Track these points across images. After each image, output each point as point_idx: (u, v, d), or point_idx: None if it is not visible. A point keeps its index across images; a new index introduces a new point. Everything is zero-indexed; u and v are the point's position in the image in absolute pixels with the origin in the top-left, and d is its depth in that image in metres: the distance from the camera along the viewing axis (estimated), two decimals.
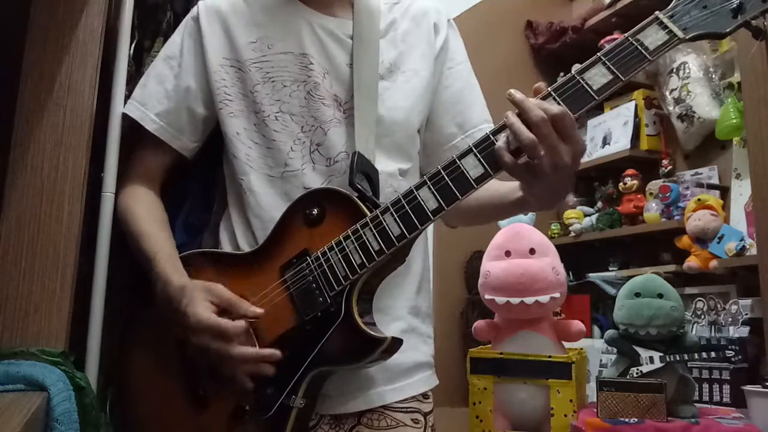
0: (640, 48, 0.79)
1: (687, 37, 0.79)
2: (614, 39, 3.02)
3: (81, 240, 0.94)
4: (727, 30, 0.78)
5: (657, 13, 0.80)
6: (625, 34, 0.81)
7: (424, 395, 1.01)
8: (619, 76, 0.79)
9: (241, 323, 0.85)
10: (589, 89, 0.79)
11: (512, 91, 0.80)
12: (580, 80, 0.80)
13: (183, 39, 1.05)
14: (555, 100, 0.80)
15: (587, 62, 0.81)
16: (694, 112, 2.32)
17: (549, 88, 0.81)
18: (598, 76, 0.80)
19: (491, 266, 1.72)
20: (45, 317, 0.89)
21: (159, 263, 0.92)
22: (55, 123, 0.94)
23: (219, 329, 0.84)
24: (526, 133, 0.77)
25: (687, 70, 2.35)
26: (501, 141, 0.80)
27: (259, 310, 0.88)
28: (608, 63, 0.79)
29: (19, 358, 0.84)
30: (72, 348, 0.92)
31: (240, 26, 1.03)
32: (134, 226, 0.98)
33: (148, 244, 0.95)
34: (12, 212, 0.91)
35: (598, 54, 0.81)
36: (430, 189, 0.83)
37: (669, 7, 0.81)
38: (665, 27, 0.79)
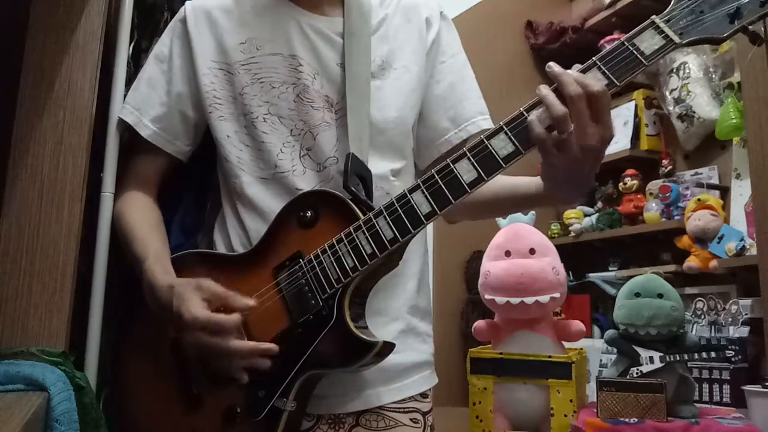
0: (635, 53, 0.78)
1: (683, 42, 0.78)
2: (614, 39, 3.03)
3: (81, 240, 0.94)
4: (724, 35, 0.77)
5: (653, 17, 0.80)
6: (621, 38, 0.80)
7: (423, 394, 1.00)
8: (614, 81, 0.78)
9: (236, 316, 0.84)
10: None
11: (551, 63, 0.80)
12: None
13: (172, 41, 1.04)
14: None
15: (582, 66, 0.80)
16: (694, 112, 2.32)
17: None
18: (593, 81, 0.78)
19: (491, 266, 1.72)
20: (45, 317, 0.89)
21: (147, 265, 0.91)
22: (55, 123, 0.94)
23: (216, 324, 0.83)
24: (558, 106, 0.76)
25: (687, 70, 2.35)
26: (533, 115, 0.79)
27: (251, 302, 0.87)
28: (603, 68, 0.79)
29: (19, 358, 0.84)
30: (72, 348, 0.92)
31: (229, 27, 1.02)
32: (125, 230, 0.98)
33: (138, 247, 0.95)
34: (12, 212, 0.91)
35: (593, 58, 0.80)
36: (423, 193, 0.82)
37: (665, 11, 0.80)
38: (661, 31, 0.78)
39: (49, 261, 0.90)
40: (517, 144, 0.80)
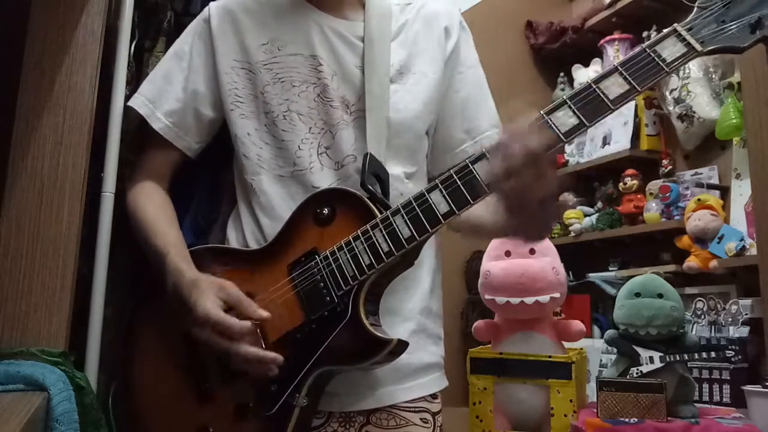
0: (657, 60, 0.79)
1: (705, 51, 0.79)
2: (614, 39, 2.99)
3: (81, 240, 0.94)
4: (745, 45, 0.78)
5: (675, 25, 0.81)
6: (643, 45, 0.81)
7: (433, 395, 1.01)
8: (636, 86, 0.79)
9: (246, 323, 0.84)
10: (605, 99, 0.79)
11: (513, 127, 0.79)
12: (597, 89, 0.80)
13: (193, 40, 1.05)
14: (570, 108, 0.80)
15: (604, 72, 0.81)
16: (694, 112, 2.32)
17: (564, 96, 0.81)
18: (614, 86, 0.79)
19: (491, 266, 1.72)
20: (45, 317, 0.89)
21: (171, 258, 0.92)
22: (55, 123, 0.94)
23: (224, 325, 0.84)
24: (496, 162, 0.77)
25: (687, 70, 2.35)
26: (480, 167, 0.81)
27: (265, 314, 0.87)
28: (625, 73, 0.79)
29: (19, 358, 0.84)
30: (72, 348, 0.92)
31: (251, 28, 1.03)
32: (144, 222, 0.99)
33: (160, 241, 0.95)
34: (12, 212, 0.91)
35: (614, 64, 0.81)
36: (441, 192, 0.83)
37: (687, 20, 0.81)
38: (683, 40, 0.79)
39: (49, 261, 0.91)
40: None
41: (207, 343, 0.86)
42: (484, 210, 0.97)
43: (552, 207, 0.81)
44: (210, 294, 0.86)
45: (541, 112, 0.81)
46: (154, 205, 1.01)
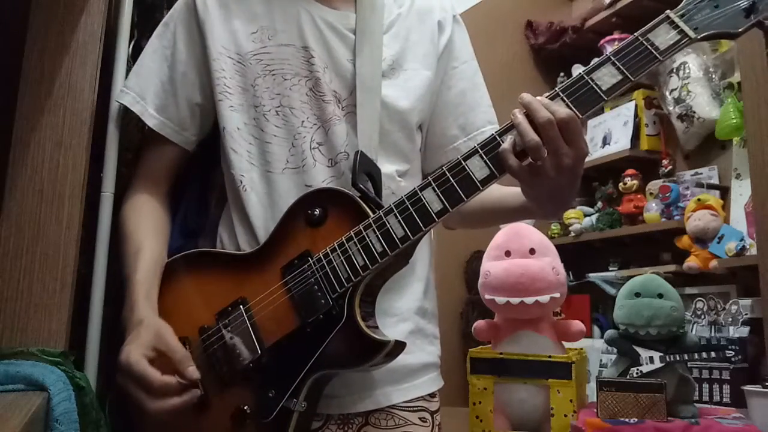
0: (650, 48, 0.78)
1: (698, 37, 0.77)
2: (614, 39, 2.99)
3: (81, 240, 0.94)
4: (740, 30, 0.77)
5: (668, 12, 0.79)
6: (635, 33, 0.79)
7: (431, 394, 1.00)
8: (629, 76, 0.78)
9: (169, 379, 0.80)
10: (598, 89, 0.78)
11: (523, 94, 0.80)
12: (589, 80, 0.79)
13: (176, 25, 1.01)
14: (563, 100, 0.79)
15: (596, 62, 0.80)
16: (694, 112, 2.32)
17: (557, 88, 0.80)
18: (607, 76, 0.78)
19: (491, 266, 1.72)
20: (45, 317, 0.89)
21: (132, 283, 0.89)
22: (55, 123, 0.94)
23: (143, 378, 0.79)
24: (531, 135, 0.77)
25: (687, 70, 2.35)
26: (506, 142, 0.79)
27: (196, 375, 0.81)
28: (618, 63, 0.78)
29: (19, 358, 0.84)
30: (72, 348, 0.92)
31: (239, 15, 1.00)
32: (124, 236, 0.96)
33: (130, 261, 0.92)
34: (12, 212, 0.91)
35: (607, 53, 0.80)
36: (434, 190, 0.82)
37: (680, 6, 0.79)
38: (676, 26, 0.78)
39: (49, 261, 0.90)
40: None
41: (125, 390, 0.82)
42: (503, 192, 0.98)
43: (580, 172, 0.81)
44: (142, 340, 0.81)
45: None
46: (137, 219, 0.97)
